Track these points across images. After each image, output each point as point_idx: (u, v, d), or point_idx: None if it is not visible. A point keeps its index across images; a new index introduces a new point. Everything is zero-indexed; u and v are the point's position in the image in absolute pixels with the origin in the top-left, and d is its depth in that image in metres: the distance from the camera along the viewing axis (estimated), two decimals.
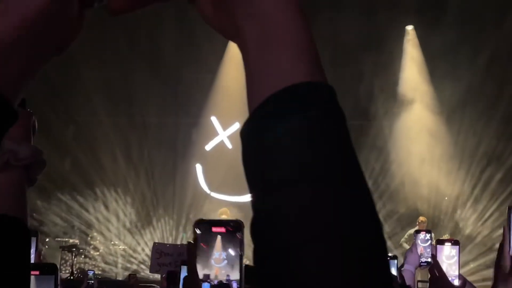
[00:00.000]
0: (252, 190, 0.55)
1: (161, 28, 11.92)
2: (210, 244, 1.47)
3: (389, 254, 2.70)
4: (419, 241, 3.20)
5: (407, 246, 10.21)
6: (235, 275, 1.46)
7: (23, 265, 1.09)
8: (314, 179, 0.51)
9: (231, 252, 1.47)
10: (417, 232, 3.32)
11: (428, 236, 3.27)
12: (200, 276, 1.40)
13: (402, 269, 3.39)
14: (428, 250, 3.10)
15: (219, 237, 1.47)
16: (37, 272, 1.50)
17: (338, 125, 0.55)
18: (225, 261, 1.46)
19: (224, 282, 1.41)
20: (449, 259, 2.86)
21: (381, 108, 12.66)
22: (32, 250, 2.35)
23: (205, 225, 1.50)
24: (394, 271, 2.75)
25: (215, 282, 1.41)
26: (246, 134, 0.56)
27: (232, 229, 1.49)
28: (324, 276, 0.48)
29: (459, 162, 12.44)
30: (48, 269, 1.52)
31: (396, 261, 3.10)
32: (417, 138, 12.47)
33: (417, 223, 10.86)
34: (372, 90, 12.39)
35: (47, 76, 11.69)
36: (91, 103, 12.45)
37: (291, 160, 0.52)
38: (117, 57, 12.13)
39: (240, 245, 1.49)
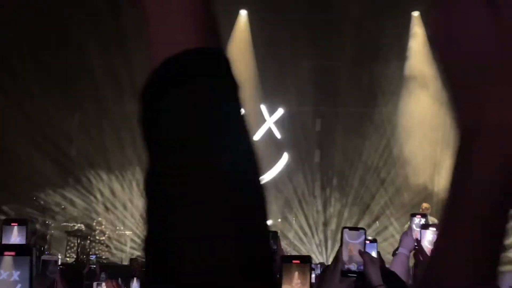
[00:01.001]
0: (146, 150, 0.59)
1: None
2: None
3: (369, 238, 2.71)
4: (414, 225, 3.21)
5: None
6: None
7: None
8: (195, 143, 0.55)
9: None
10: (413, 215, 3.33)
11: (423, 220, 3.27)
12: None
13: (396, 252, 3.39)
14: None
15: None
16: (13, 253, 1.51)
17: (224, 89, 0.57)
18: None
19: None
20: (433, 244, 2.86)
21: (385, 94, 12.60)
22: (20, 238, 2.39)
23: None
24: (374, 254, 2.77)
25: None
26: (140, 97, 0.59)
27: None
28: (199, 227, 0.53)
29: None
30: (23, 250, 1.54)
31: (376, 244, 3.13)
32: (421, 123, 12.40)
33: (421, 209, 10.78)
34: (376, 76, 12.34)
35: (53, 64, 11.74)
36: (98, 90, 12.46)
37: (175, 125, 0.56)
38: (123, 43, 12.10)
39: None
